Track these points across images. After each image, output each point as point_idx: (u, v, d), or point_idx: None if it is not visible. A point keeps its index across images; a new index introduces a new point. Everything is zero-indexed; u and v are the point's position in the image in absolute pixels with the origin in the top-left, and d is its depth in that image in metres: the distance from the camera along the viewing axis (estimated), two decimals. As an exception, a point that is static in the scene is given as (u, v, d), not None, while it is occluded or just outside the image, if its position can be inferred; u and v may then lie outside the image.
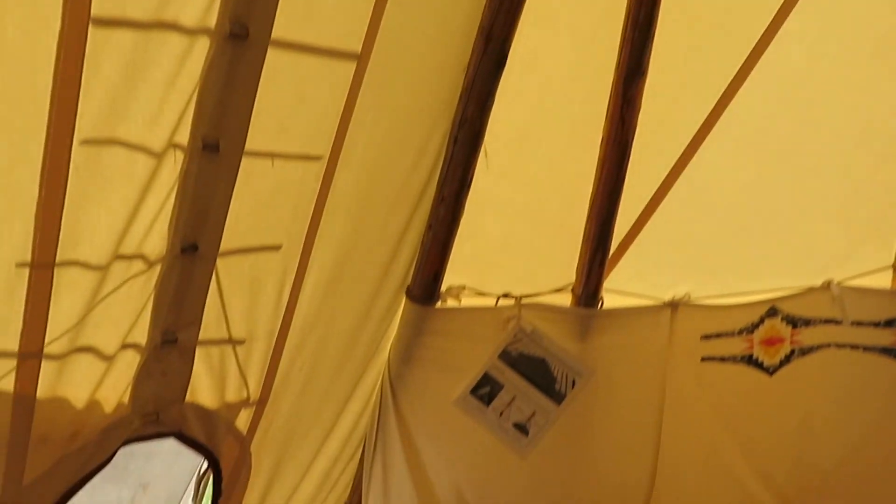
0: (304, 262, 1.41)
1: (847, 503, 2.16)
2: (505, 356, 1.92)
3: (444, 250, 1.72)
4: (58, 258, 1.16)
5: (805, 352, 2.02)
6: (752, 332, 2.00)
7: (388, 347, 1.92)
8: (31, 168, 1.10)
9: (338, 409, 1.82)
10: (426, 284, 1.78)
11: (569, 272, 1.93)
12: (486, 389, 1.93)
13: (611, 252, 1.88)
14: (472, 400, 1.93)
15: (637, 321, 1.96)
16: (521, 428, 1.94)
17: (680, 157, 1.83)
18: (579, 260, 1.88)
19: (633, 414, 2.03)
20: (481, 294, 1.89)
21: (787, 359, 2.03)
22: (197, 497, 2.15)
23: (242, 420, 1.47)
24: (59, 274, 1.17)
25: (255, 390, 1.46)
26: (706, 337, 2.00)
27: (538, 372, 1.92)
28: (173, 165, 1.21)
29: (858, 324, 1.96)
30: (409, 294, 1.81)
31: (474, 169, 1.66)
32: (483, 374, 1.93)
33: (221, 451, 1.44)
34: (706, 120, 1.78)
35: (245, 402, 1.44)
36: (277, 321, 1.43)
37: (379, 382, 1.96)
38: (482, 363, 1.94)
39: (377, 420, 1.97)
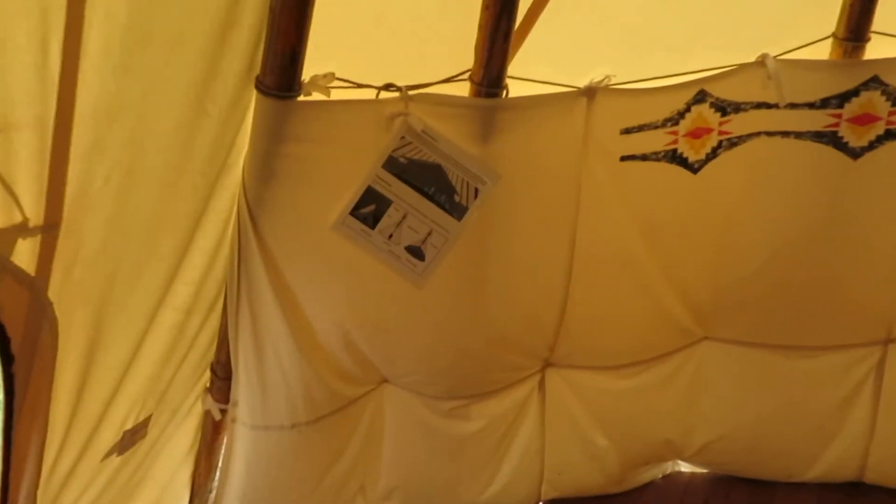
0: (78, 10, 0.92)
1: (764, 311, 2.01)
2: (391, 165, 1.53)
3: (300, 16, 1.26)
4: None
5: (733, 143, 1.76)
6: (677, 122, 1.70)
7: (242, 160, 1.48)
8: None
9: (179, 244, 1.40)
10: (281, 69, 1.33)
11: (466, 56, 1.53)
12: (370, 208, 1.55)
13: (516, 24, 1.48)
14: (354, 222, 1.55)
15: (547, 113, 1.61)
16: (416, 252, 1.59)
17: None
18: (478, 36, 1.48)
19: (543, 226, 1.73)
20: (356, 85, 1.47)
21: (714, 153, 1.76)
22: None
23: (25, 254, 1.03)
24: None
25: (34, 209, 1.00)
26: (626, 131, 1.68)
27: (433, 182, 1.56)
28: None
29: (793, 106, 1.70)
30: (260, 85, 1.36)
31: None
32: (365, 189, 1.54)
33: (-5, 298, 1.00)
34: None
35: (22, 228, 0.98)
36: (49, 102, 0.95)
37: (235, 208, 1.54)
38: (363, 175, 1.54)
39: (237, 256, 1.57)
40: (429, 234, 1.57)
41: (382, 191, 1.55)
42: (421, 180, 1.55)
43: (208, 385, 1.77)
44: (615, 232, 1.81)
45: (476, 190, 1.57)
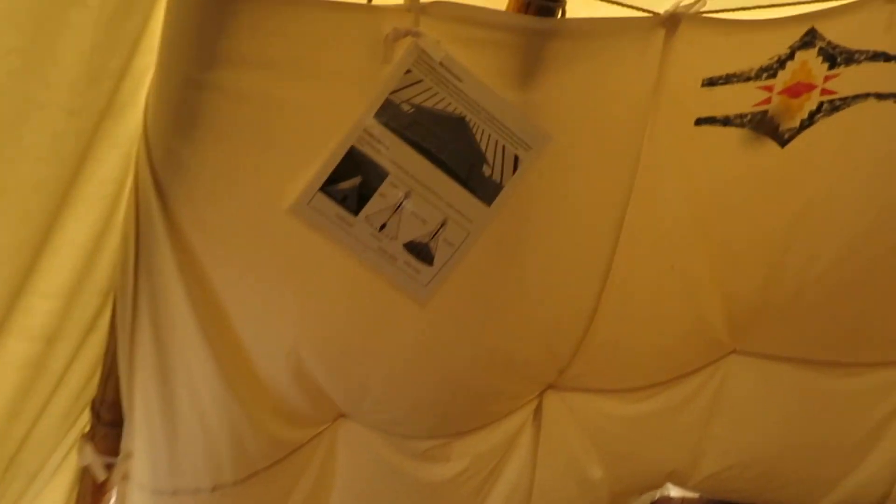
0: None
1: (816, 320, 1.60)
2: (389, 114, 0.97)
3: None
4: None
5: (835, 107, 1.29)
6: (774, 74, 1.22)
7: (143, 98, 0.88)
8: None
9: (30, 233, 0.79)
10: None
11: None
12: (352, 182, 0.98)
13: None
14: (327, 203, 0.98)
15: (613, 47, 1.08)
16: (421, 251, 1.04)
17: None
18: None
19: (587, 213, 1.21)
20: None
21: (811, 119, 1.29)
22: None
23: None
24: None
25: None
26: (710, 82, 1.18)
27: (452, 144, 1.00)
28: None
29: (922, 59, 1.25)
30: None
31: None
32: (347, 152, 0.97)
33: None
34: None
35: None
36: None
37: (131, 176, 0.93)
38: (344, 129, 0.97)
39: (133, 252, 0.97)
40: (442, 224, 1.02)
41: (373, 155, 0.98)
42: (433, 141, 0.99)
43: (87, 431, 1.18)
44: (669, 221, 1.32)
45: (516, 159, 1.03)
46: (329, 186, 0.98)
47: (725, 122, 1.23)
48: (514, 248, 1.14)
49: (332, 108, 0.96)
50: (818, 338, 1.65)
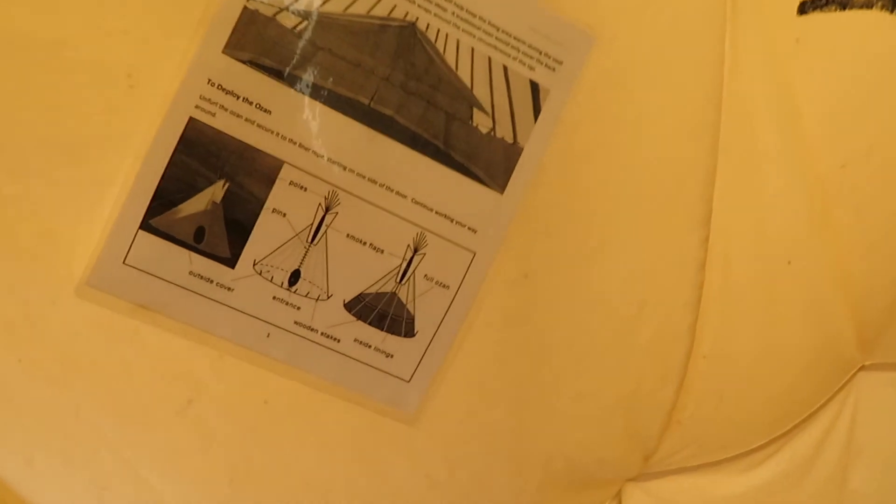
0: None
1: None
2: (250, 39, 0.43)
3: None
4: None
5: None
6: None
7: None
8: None
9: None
10: None
11: None
12: (203, 197, 0.44)
13: None
14: (159, 250, 0.43)
15: None
16: (382, 312, 0.49)
17: None
18: None
19: (656, 192, 0.68)
20: None
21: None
22: None
23: None
24: None
25: None
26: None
27: (404, 82, 0.46)
28: None
29: None
30: None
31: None
32: (182, 134, 0.43)
33: None
34: None
35: None
36: None
37: None
38: (161, 87, 0.43)
39: None
40: (415, 247, 0.48)
41: (238, 133, 0.44)
42: (360, 83, 0.46)
43: None
44: (776, 188, 0.80)
45: (534, 89, 0.50)
46: (157, 215, 0.44)
47: (843, 3, 0.72)
48: (561, 269, 0.60)
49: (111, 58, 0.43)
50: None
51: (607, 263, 0.67)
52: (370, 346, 0.49)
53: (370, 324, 0.49)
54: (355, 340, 0.49)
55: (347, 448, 0.54)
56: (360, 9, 0.47)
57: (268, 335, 0.48)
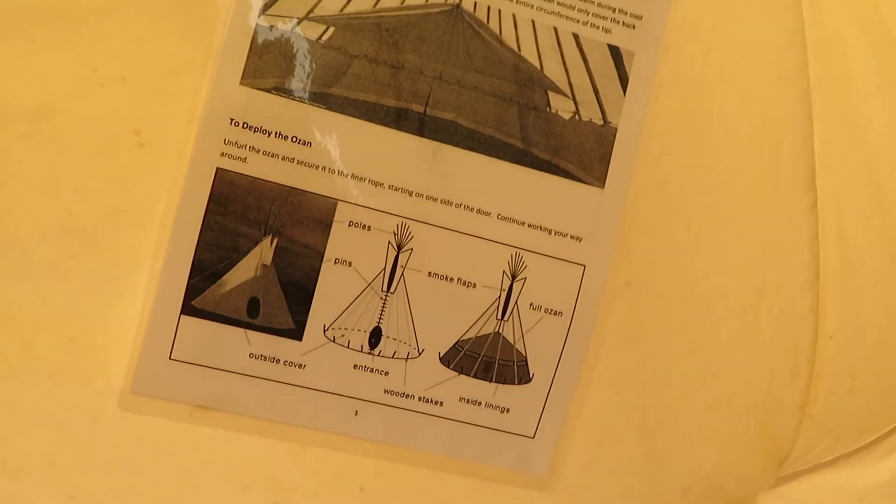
0: None
1: None
2: (267, 64, 0.34)
3: None
4: None
5: None
6: None
7: None
8: None
9: None
10: None
11: None
12: (249, 265, 0.35)
13: None
14: (207, 332, 0.35)
15: None
16: (487, 360, 0.40)
17: None
18: None
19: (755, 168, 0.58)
20: None
21: None
22: None
23: None
24: None
25: None
26: None
27: (457, 74, 0.37)
28: None
29: None
30: None
31: None
32: (212, 190, 0.34)
33: None
34: None
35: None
36: None
37: None
38: (177, 146, 0.35)
39: None
40: (512, 273, 0.39)
41: (275, 177, 0.36)
42: (395, 85, 0.37)
43: None
44: (881, 123, 0.70)
45: (616, 56, 0.41)
46: (199, 295, 0.36)
47: None
48: (666, 269, 0.51)
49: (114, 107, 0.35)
50: None
51: (713, 252, 0.57)
52: (480, 404, 0.40)
53: (475, 376, 0.40)
54: (461, 399, 0.40)
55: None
56: (390, 2, 0.38)
57: (355, 413, 0.39)
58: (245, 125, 0.37)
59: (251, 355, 0.38)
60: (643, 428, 0.57)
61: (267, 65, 0.37)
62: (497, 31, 0.39)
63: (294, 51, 0.37)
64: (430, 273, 0.39)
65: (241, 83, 0.37)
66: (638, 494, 0.59)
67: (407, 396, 0.39)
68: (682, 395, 0.60)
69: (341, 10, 0.38)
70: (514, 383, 0.40)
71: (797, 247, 0.63)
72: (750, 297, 0.62)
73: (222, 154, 0.37)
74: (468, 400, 0.40)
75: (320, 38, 0.38)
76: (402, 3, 0.39)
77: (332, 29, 0.38)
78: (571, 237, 0.40)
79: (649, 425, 0.58)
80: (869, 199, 0.67)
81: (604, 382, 0.51)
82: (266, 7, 0.37)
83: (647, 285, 0.53)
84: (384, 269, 0.38)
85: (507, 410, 0.40)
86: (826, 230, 0.64)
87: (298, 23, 0.38)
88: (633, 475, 0.58)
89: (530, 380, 0.40)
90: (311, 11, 0.38)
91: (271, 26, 0.37)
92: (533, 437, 0.41)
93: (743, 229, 0.59)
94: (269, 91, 0.37)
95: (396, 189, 0.38)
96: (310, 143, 0.37)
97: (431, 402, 0.40)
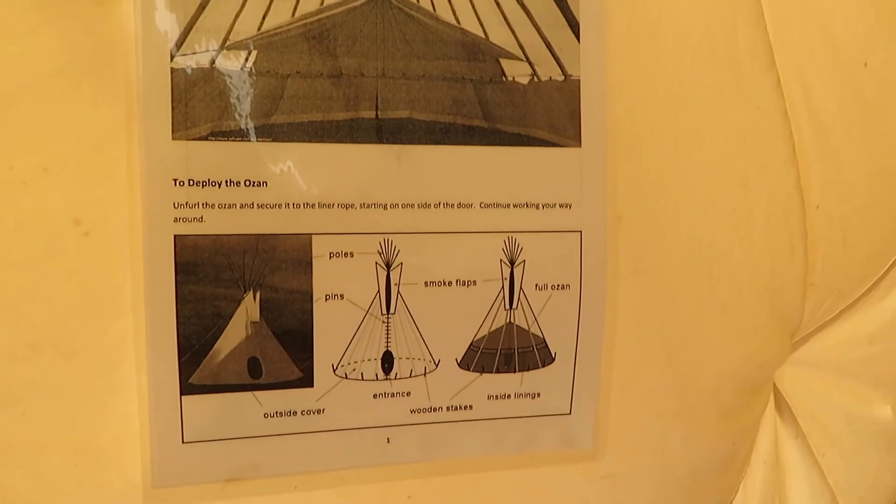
0: None
1: None
2: (215, 110, 0.31)
3: None
4: None
5: None
6: None
7: None
8: None
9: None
10: None
11: None
12: (236, 331, 0.33)
13: None
14: (212, 406, 0.33)
15: None
16: (511, 351, 0.38)
17: None
18: None
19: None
20: None
21: None
22: None
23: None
24: None
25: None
26: None
27: (401, 62, 0.34)
28: None
29: None
30: None
31: None
32: (175, 259, 0.31)
33: None
34: None
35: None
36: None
37: None
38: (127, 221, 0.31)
39: None
40: (512, 263, 0.37)
41: (238, 230, 0.33)
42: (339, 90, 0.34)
43: None
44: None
45: (561, 4, 0.38)
46: (194, 371, 0.33)
47: None
48: (648, 185, 0.49)
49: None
50: None
51: (694, 160, 0.55)
52: (509, 396, 0.39)
53: (498, 371, 0.38)
54: (489, 398, 0.38)
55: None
56: (309, 6, 0.35)
57: (387, 440, 0.37)
58: (191, 182, 0.34)
59: (266, 415, 0.36)
60: (666, 352, 0.56)
61: (195, 110, 0.34)
62: (430, 9, 0.36)
63: (220, 87, 0.34)
64: (426, 283, 0.36)
65: (173, 138, 0.34)
66: (671, 413, 0.59)
67: (434, 410, 0.38)
68: (694, 307, 0.59)
69: (259, 28, 0.34)
70: (538, 367, 0.39)
71: (771, 129, 0.62)
72: (737, 193, 0.60)
73: (175, 219, 0.34)
74: (496, 396, 0.39)
75: (245, 64, 0.34)
76: (322, 3, 0.35)
77: (255, 52, 0.34)
78: (561, 206, 0.38)
79: (671, 347, 0.57)
80: (830, 59, 0.65)
81: (620, 323, 0.49)
82: (178, 45, 0.34)
83: (639, 214, 0.51)
84: (378, 292, 0.36)
85: (538, 395, 0.39)
86: (794, 104, 0.62)
87: (217, 53, 0.34)
88: (664, 402, 0.58)
89: (553, 359, 0.39)
90: (227, 38, 0.34)
91: (188, 67, 0.34)
92: (570, 413, 0.40)
93: (717, 128, 0.57)
94: (205, 139, 0.34)
95: (369, 206, 0.36)
96: (265, 183, 0.34)
97: (460, 408, 0.38)
